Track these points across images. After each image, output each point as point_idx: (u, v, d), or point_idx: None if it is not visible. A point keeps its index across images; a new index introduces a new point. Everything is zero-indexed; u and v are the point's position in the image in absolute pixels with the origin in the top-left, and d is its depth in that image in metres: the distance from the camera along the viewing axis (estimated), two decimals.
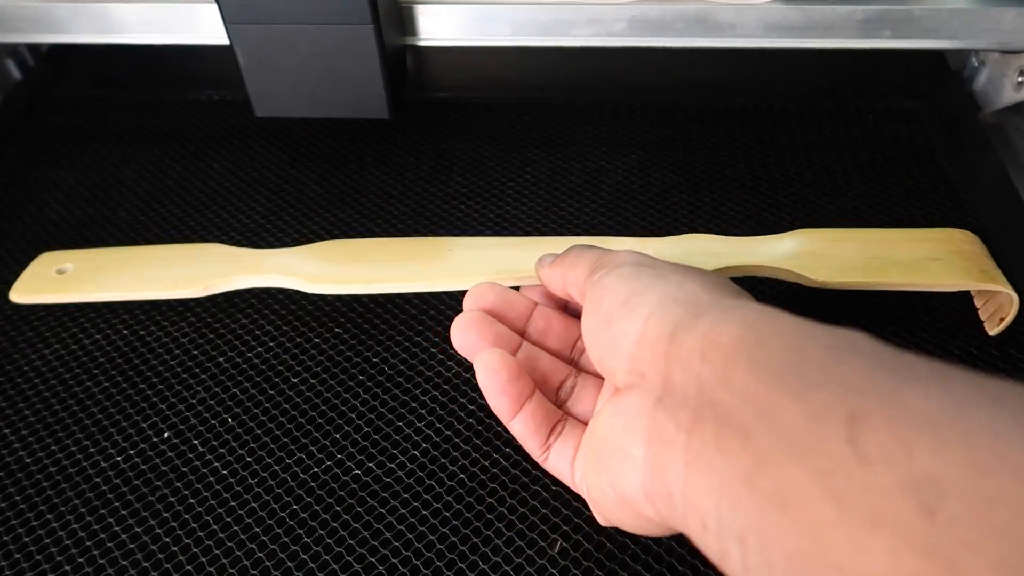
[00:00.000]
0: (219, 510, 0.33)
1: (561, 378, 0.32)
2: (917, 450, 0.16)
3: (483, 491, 0.33)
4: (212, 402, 0.37)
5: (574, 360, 0.34)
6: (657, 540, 0.32)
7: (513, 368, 0.30)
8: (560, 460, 0.30)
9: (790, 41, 0.46)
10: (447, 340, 0.38)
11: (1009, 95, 0.51)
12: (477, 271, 0.38)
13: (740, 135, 0.50)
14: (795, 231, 0.40)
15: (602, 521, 0.28)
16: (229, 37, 0.43)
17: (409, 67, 0.50)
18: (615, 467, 0.25)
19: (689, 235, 0.40)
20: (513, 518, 0.33)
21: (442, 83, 0.56)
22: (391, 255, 0.40)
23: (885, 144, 0.49)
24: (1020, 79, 0.50)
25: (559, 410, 0.31)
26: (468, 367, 0.38)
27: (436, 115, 0.53)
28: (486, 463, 0.34)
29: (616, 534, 0.32)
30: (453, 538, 0.32)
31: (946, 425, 0.16)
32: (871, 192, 0.46)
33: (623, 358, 0.25)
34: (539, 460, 0.31)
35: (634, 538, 0.32)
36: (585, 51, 0.49)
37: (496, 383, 0.30)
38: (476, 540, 0.32)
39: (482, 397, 0.31)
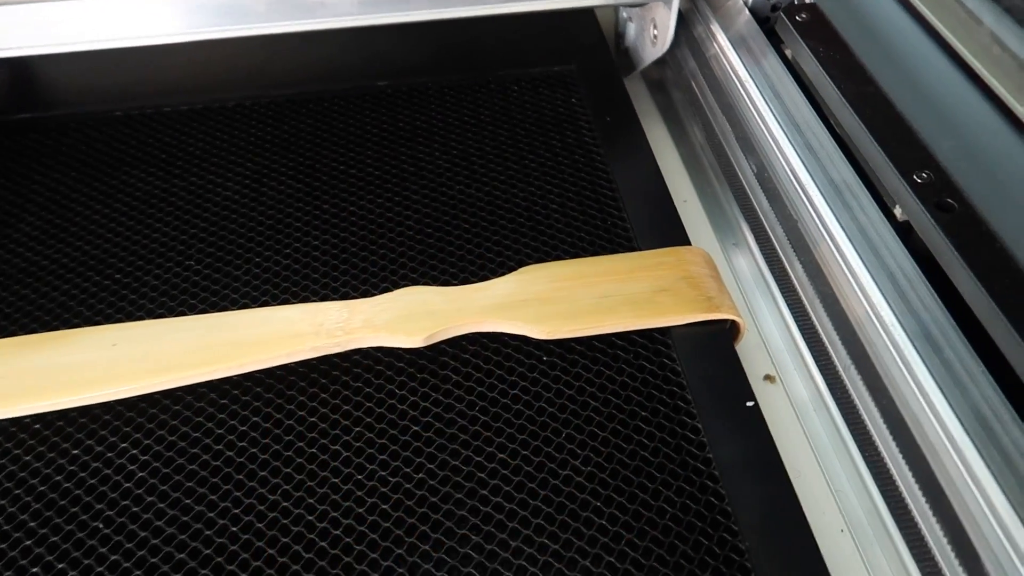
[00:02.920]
0: None
1: None
2: None
3: None
4: None
5: None
6: None
7: None
8: None
9: (391, 16, 0.41)
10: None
11: (649, 51, 0.49)
12: (147, 368, 0.32)
13: (372, 125, 0.45)
14: (520, 271, 0.36)
15: None
16: None
17: None
18: None
19: (406, 289, 0.35)
20: None
21: (21, 102, 0.47)
22: (25, 359, 0.33)
23: (528, 116, 0.46)
24: (655, 32, 0.47)
25: None
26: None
27: (10, 143, 0.44)
28: None
29: None
30: None
31: None
32: (506, 172, 0.42)
33: None
34: None
35: None
36: (190, 48, 0.41)
37: None
38: None
39: None
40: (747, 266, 0.41)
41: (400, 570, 0.28)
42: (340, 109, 0.46)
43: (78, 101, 0.47)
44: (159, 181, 0.42)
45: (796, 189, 0.35)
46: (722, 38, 0.42)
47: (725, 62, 0.42)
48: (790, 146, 0.36)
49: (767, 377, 0.37)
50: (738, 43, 0.42)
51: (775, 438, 0.33)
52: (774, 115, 0.37)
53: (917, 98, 0.34)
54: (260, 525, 0.29)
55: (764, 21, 0.43)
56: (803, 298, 0.35)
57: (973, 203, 0.30)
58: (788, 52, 0.41)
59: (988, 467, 0.24)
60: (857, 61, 0.37)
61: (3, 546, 0.28)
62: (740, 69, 0.40)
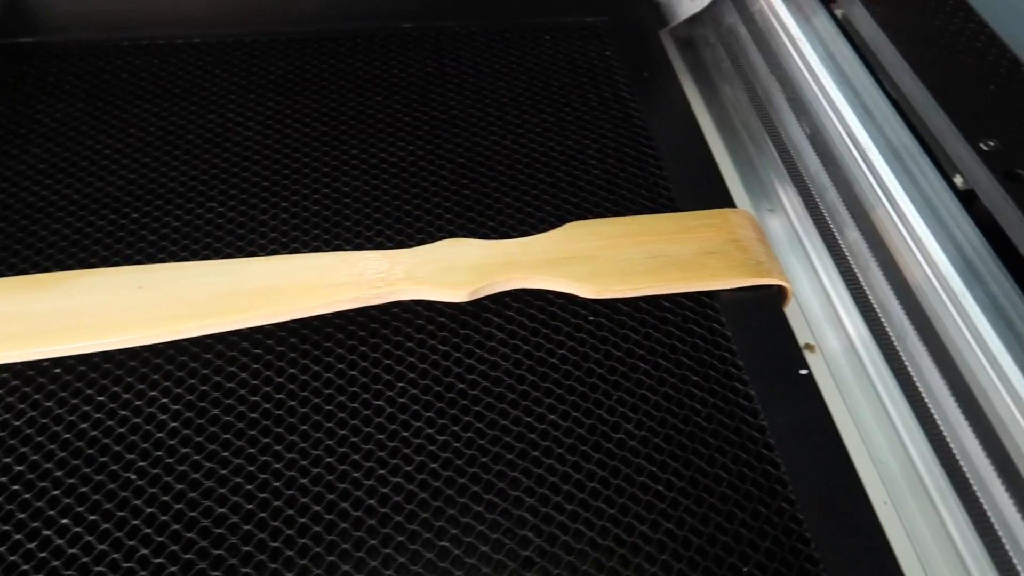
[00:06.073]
0: None
1: None
2: None
3: None
4: None
5: None
6: None
7: None
8: None
9: None
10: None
11: (687, 6, 0.47)
12: (177, 314, 0.30)
13: (398, 68, 0.43)
14: (566, 227, 0.35)
15: None
16: None
17: None
18: None
19: (446, 241, 0.34)
20: None
21: (23, 24, 0.43)
22: (42, 299, 0.30)
23: (561, 67, 0.44)
24: None
25: None
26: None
27: (11, 68, 0.41)
28: None
29: None
30: None
31: None
32: (542, 125, 0.41)
33: None
34: None
35: None
36: None
37: None
38: None
39: None
40: (782, 230, 0.41)
41: (439, 543, 0.27)
42: (362, 50, 0.44)
43: (83, 26, 0.43)
44: (174, 117, 0.39)
45: (852, 153, 0.34)
46: None
47: (773, 20, 0.40)
48: (848, 108, 0.34)
49: (807, 346, 0.37)
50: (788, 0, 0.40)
51: None
52: (829, 76, 0.36)
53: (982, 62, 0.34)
54: (297, 476, 0.28)
55: None
56: (853, 265, 0.34)
57: None
58: (838, 11, 0.40)
59: None
60: (915, 22, 0.36)
61: (28, 495, 0.27)
62: (792, 27, 0.39)
